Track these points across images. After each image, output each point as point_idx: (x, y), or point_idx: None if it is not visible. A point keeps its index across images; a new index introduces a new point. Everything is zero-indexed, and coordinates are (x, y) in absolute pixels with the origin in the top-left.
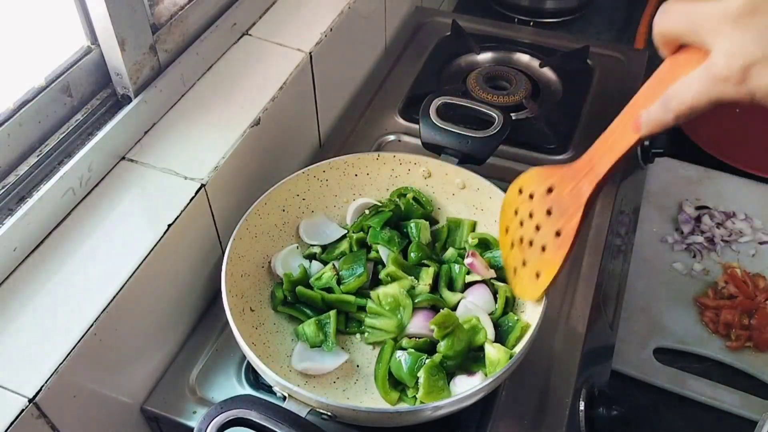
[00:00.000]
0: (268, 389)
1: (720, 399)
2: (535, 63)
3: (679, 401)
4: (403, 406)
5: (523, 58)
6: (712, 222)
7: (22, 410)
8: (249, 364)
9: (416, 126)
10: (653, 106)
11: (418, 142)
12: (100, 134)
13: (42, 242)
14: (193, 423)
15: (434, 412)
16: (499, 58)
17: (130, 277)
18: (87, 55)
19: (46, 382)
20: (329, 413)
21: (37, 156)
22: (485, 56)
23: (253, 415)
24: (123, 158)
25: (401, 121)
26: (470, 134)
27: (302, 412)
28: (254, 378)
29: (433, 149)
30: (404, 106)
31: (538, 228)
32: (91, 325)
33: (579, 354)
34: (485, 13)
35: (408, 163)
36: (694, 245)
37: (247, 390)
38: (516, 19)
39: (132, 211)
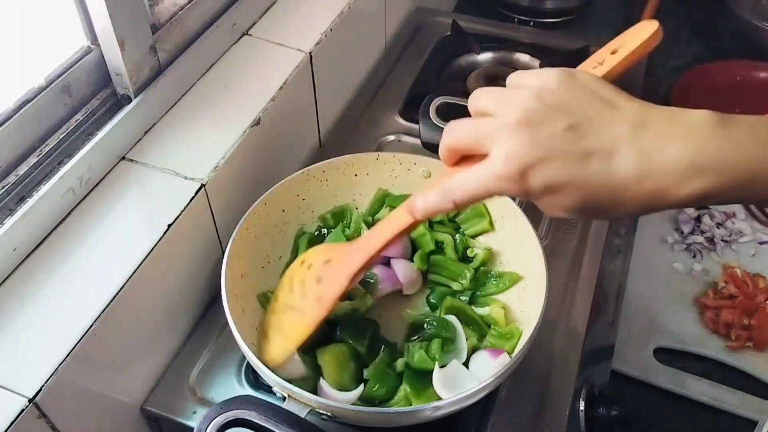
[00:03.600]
0: (268, 389)
1: (720, 399)
2: (535, 63)
3: (679, 401)
4: (402, 406)
5: (523, 58)
6: (712, 222)
7: (22, 410)
8: (249, 364)
9: (416, 126)
10: (431, 194)
11: (418, 142)
12: (100, 134)
13: (42, 242)
14: (193, 423)
15: (434, 412)
16: (499, 58)
17: (130, 277)
18: (87, 55)
19: (46, 382)
20: (329, 413)
21: (37, 156)
22: (485, 56)
23: (253, 416)
24: (123, 158)
25: (401, 121)
26: None
27: (302, 413)
28: (254, 378)
29: (433, 149)
30: (404, 106)
31: (304, 295)
32: (91, 325)
33: (579, 354)
34: (485, 13)
35: (408, 163)
36: (694, 245)
37: (247, 390)
38: (516, 19)
39: (132, 211)
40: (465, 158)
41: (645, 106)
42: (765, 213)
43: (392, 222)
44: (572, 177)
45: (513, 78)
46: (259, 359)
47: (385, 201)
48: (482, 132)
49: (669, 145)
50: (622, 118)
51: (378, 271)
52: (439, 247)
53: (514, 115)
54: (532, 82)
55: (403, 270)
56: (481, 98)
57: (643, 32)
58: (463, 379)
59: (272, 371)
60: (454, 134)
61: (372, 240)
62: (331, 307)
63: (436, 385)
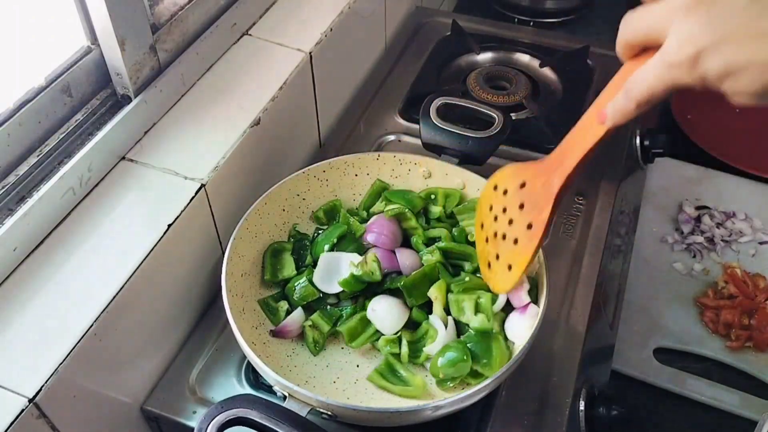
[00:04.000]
0: (268, 389)
1: (720, 399)
2: (535, 63)
3: (679, 401)
4: (403, 406)
5: (523, 58)
6: (712, 222)
7: (22, 410)
8: (249, 364)
9: (416, 126)
10: (617, 97)
11: (418, 142)
12: (100, 134)
13: (42, 242)
14: (193, 423)
15: (434, 412)
16: (499, 58)
17: (130, 277)
18: (87, 55)
19: (46, 382)
20: (329, 413)
21: (37, 156)
22: (485, 56)
23: (254, 415)
24: (123, 158)
25: (401, 121)
26: (470, 134)
27: (302, 412)
28: (254, 378)
29: (433, 149)
30: (404, 106)
31: (511, 222)
32: (91, 325)
33: (579, 354)
34: (485, 13)
35: (408, 163)
36: (694, 245)
37: (247, 390)
38: (516, 19)
39: (132, 211)
40: (645, 51)
41: None
42: None
43: (584, 136)
44: (754, 55)
45: None
46: (259, 359)
47: (382, 194)
48: (655, 18)
49: None
50: None
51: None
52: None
53: None
54: None
55: (406, 257)
56: (646, 15)
57: None
58: None
59: (272, 371)
60: (629, 25)
61: (566, 157)
62: (544, 231)
63: None
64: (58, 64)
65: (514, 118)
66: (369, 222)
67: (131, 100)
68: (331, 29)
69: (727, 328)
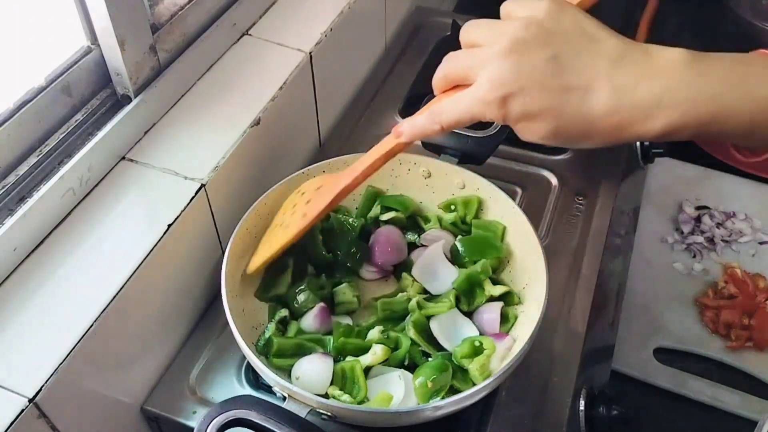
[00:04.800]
0: (268, 389)
1: (720, 399)
2: None
3: (679, 401)
4: (403, 406)
5: None
6: (712, 222)
7: (22, 410)
8: (249, 364)
9: None
10: (419, 117)
11: (418, 142)
12: (100, 134)
13: (42, 242)
14: (193, 423)
15: (434, 412)
16: None
17: (130, 277)
18: (87, 55)
19: (46, 382)
20: (329, 413)
21: (37, 156)
22: None
23: (253, 416)
24: (123, 158)
25: (401, 121)
26: (470, 134)
27: (302, 412)
28: (254, 378)
29: (433, 149)
30: (404, 106)
31: (293, 214)
32: (91, 325)
33: (579, 354)
34: (485, 13)
35: (408, 163)
36: (694, 245)
37: (247, 390)
38: None
39: (132, 211)
40: (455, 88)
41: (625, 43)
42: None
43: (378, 148)
44: (549, 107)
45: (506, 7)
46: (259, 359)
47: (377, 200)
48: (473, 60)
49: (640, 81)
50: (603, 52)
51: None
52: None
53: (502, 44)
54: (523, 13)
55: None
56: (472, 31)
57: None
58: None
59: (272, 371)
60: (449, 63)
61: (358, 165)
62: (313, 220)
63: (438, 337)
64: (58, 64)
65: None
66: (371, 240)
67: (131, 100)
68: (331, 29)
69: (727, 328)
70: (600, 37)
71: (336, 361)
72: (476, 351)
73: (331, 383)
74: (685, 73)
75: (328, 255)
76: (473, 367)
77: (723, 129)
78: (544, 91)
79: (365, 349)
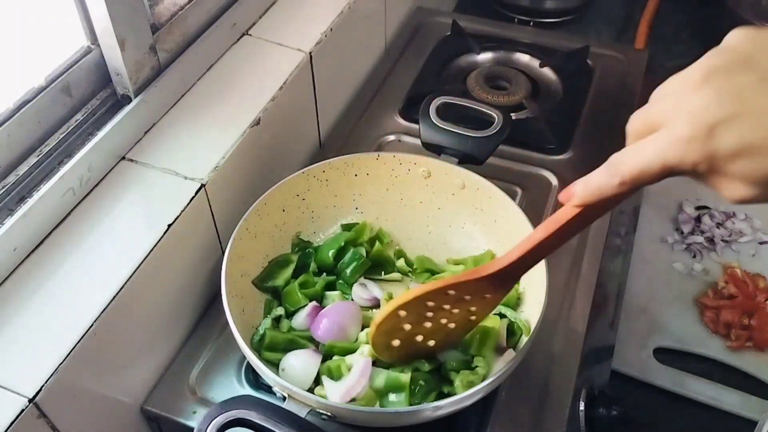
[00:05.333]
0: (268, 389)
1: (720, 399)
2: (535, 63)
3: (679, 401)
4: (402, 406)
5: (523, 58)
6: (712, 222)
7: (22, 410)
8: (249, 364)
9: (416, 126)
10: (593, 173)
11: (418, 142)
12: (100, 134)
13: (42, 242)
14: (193, 423)
15: (434, 412)
16: (499, 58)
17: (130, 277)
18: (87, 55)
19: (46, 382)
20: (329, 413)
21: (37, 156)
22: (485, 56)
23: (253, 416)
24: (123, 158)
25: (401, 121)
26: (470, 134)
27: (302, 413)
28: (254, 378)
29: (433, 149)
30: (404, 106)
31: (450, 316)
32: (91, 325)
33: (579, 354)
34: (485, 13)
35: (408, 163)
36: (694, 245)
37: (247, 390)
38: (516, 19)
39: (132, 211)
40: None
41: None
42: None
43: (549, 222)
44: None
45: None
46: (259, 359)
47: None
48: (665, 103)
49: None
50: None
51: None
52: None
53: (695, 74)
54: (711, 51)
55: None
56: (663, 85)
57: None
58: None
59: (272, 372)
60: (638, 115)
61: (525, 243)
62: (483, 316)
63: None
64: (58, 64)
65: (514, 118)
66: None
67: (131, 100)
68: (331, 29)
69: (727, 328)
70: None
71: (324, 360)
72: (468, 366)
73: (319, 383)
74: None
75: (331, 261)
76: (458, 383)
77: None
78: (765, 115)
79: (353, 351)
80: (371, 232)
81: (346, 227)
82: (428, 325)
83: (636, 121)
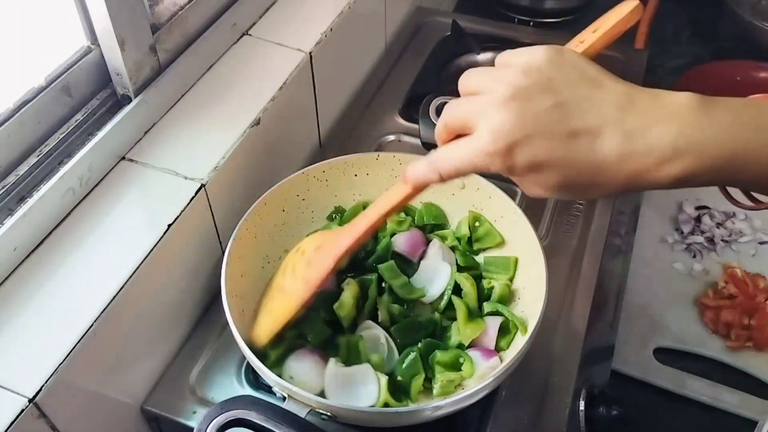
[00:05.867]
0: (268, 389)
1: (720, 399)
2: None
3: (679, 401)
4: (403, 406)
5: None
6: (712, 222)
7: (22, 410)
8: (249, 364)
9: (416, 126)
10: (419, 163)
11: (418, 142)
12: (100, 134)
13: (42, 242)
14: (193, 423)
15: (434, 412)
16: None
17: (130, 277)
18: (87, 55)
19: (46, 382)
20: (329, 413)
21: (37, 156)
22: (485, 56)
23: (253, 416)
24: (123, 158)
25: (401, 121)
26: None
27: (302, 413)
28: (254, 378)
29: (433, 149)
30: (404, 106)
31: (294, 278)
32: (91, 325)
33: (579, 354)
34: (485, 13)
35: (408, 163)
36: (694, 245)
37: (247, 390)
38: (516, 19)
39: (132, 211)
40: (458, 137)
41: (630, 88)
42: (749, 196)
43: (383, 200)
44: (557, 155)
45: (502, 57)
46: (259, 359)
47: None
48: (472, 109)
49: (652, 127)
50: (608, 98)
51: None
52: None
53: (501, 92)
54: (521, 60)
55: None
56: (471, 78)
57: (622, 10)
58: None
59: (272, 372)
60: (448, 112)
61: (360, 221)
62: (315, 287)
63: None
64: (58, 64)
65: None
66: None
67: (131, 100)
68: (331, 29)
69: (727, 328)
70: (604, 83)
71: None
72: (454, 366)
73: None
74: (696, 116)
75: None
76: (438, 383)
77: (741, 173)
78: (552, 138)
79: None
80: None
81: (329, 217)
82: (279, 283)
83: (450, 116)
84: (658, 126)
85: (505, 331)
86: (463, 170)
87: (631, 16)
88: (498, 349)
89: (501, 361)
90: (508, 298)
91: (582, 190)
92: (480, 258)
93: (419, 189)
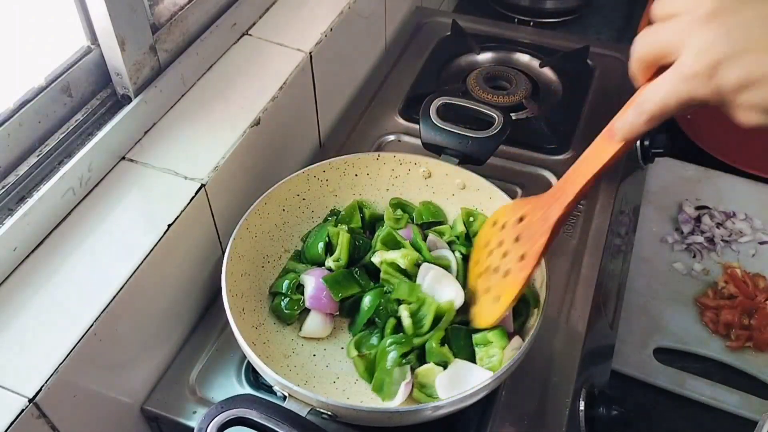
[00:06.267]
0: (268, 389)
1: (720, 399)
2: (535, 63)
3: (679, 401)
4: (402, 405)
5: (523, 58)
6: (712, 222)
7: (22, 410)
8: (249, 364)
9: (416, 126)
10: (627, 112)
11: (418, 142)
12: (100, 134)
13: (42, 242)
14: (193, 423)
15: (434, 412)
16: (499, 58)
17: (130, 277)
18: (87, 55)
19: (46, 382)
20: (329, 413)
21: (37, 156)
22: (485, 56)
23: (254, 415)
24: (123, 158)
25: (401, 121)
26: (470, 134)
27: (302, 412)
28: (254, 378)
29: (433, 149)
30: (404, 106)
31: (505, 255)
32: (91, 325)
33: (579, 354)
34: (485, 13)
35: (408, 163)
36: (694, 245)
37: (247, 390)
38: (516, 19)
39: (132, 211)
40: (659, 72)
41: None
42: None
43: (590, 159)
44: None
45: None
46: (259, 359)
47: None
48: (672, 31)
49: None
50: None
51: None
52: None
53: (704, 8)
54: None
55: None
56: (668, 0)
57: None
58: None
59: (272, 371)
60: (643, 41)
61: (567, 187)
62: (535, 262)
63: (439, 390)
64: (58, 64)
65: (514, 118)
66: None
67: (131, 100)
68: (331, 29)
69: (727, 328)
70: None
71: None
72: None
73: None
74: None
75: (323, 254)
76: (482, 353)
77: None
78: (766, 48)
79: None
80: (352, 210)
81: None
82: (488, 262)
83: (643, 46)
84: None
85: (516, 313)
86: (669, 105)
87: None
88: None
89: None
90: None
91: None
92: None
93: (631, 142)
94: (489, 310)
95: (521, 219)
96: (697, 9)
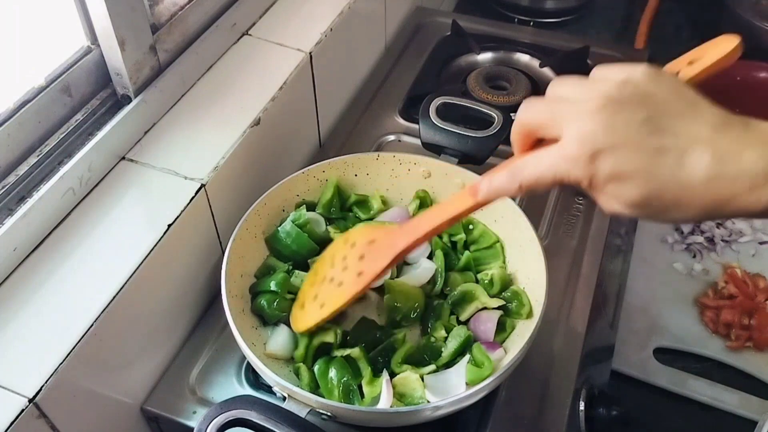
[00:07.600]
0: (268, 389)
1: (720, 399)
2: (535, 63)
3: (679, 401)
4: (402, 406)
5: (523, 58)
6: (712, 222)
7: (22, 410)
8: (249, 364)
9: (416, 126)
10: (498, 175)
11: (418, 142)
12: (100, 134)
13: (42, 242)
14: (193, 423)
15: (434, 412)
16: (499, 58)
17: (130, 277)
18: (87, 55)
19: (46, 382)
20: (329, 413)
21: (37, 156)
22: (485, 56)
23: (253, 416)
24: (123, 158)
25: (401, 121)
26: (470, 134)
27: (302, 413)
28: (254, 378)
29: (433, 149)
30: (404, 106)
31: (344, 269)
32: (91, 325)
33: (579, 354)
34: (485, 13)
35: (408, 163)
36: (694, 245)
37: (247, 390)
38: (516, 19)
39: (132, 211)
40: (536, 145)
41: (725, 113)
42: None
43: (448, 206)
44: (642, 167)
45: (599, 70)
46: (259, 359)
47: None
48: (559, 111)
49: (745, 150)
50: (703, 119)
51: None
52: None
53: (594, 101)
54: (618, 75)
55: None
56: (563, 86)
57: (723, 46)
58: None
59: (272, 371)
60: (531, 109)
61: (420, 224)
62: (370, 281)
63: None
64: (58, 64)
65: (513, 118)
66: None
67: (131, 100)
68: (331, 29)
69: (727, 328)
70: (700, 105)
71: None
72: (477, 363)
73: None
74: None
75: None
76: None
77: None
78: (639, 150)
79: None
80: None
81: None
82: (326, 273)
83: (529, 115)
84: (752, 150)
85: (501, 327)
86: (544, 180)
87: (733, 54)
88: None
89: (505, 352)
90: (508, 280)
91: (663, 210)
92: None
93: (490, 201)
94: (309, 315)
95: (372, 242)
96: (588, 101)
